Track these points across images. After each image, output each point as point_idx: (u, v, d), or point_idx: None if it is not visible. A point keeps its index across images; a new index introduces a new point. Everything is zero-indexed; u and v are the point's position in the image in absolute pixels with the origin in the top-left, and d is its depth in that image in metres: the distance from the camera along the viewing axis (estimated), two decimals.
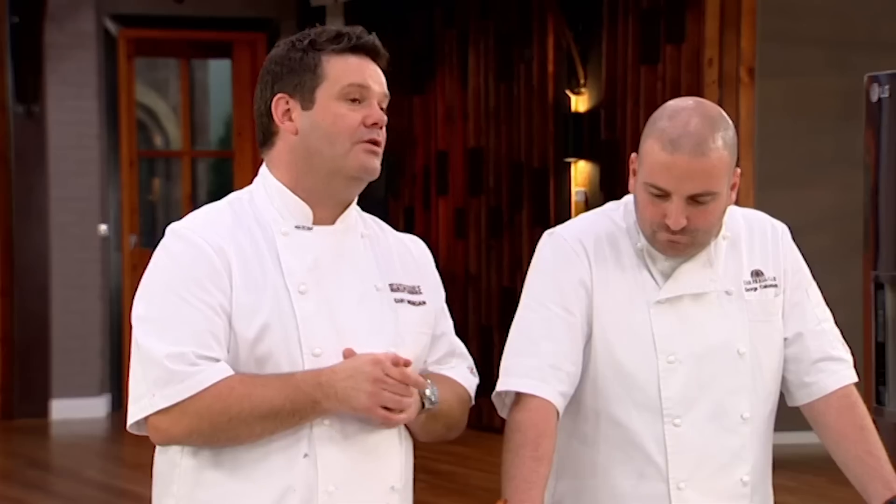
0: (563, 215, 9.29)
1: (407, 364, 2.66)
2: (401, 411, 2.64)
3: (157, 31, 11.67)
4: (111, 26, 11.32)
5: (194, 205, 11.46)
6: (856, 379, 3.07)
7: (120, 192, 11.46)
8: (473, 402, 2.88)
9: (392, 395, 2.62)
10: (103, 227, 11.24)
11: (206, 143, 15.53)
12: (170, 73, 15.25)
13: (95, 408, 11.09)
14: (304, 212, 2.73)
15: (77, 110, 11.06)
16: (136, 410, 2.65)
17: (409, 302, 2.77)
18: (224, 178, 13.76)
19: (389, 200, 10.98)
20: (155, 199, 15.96)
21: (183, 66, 12.91)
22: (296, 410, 2.61)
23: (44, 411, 11.00)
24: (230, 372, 2.61)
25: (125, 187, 11.51)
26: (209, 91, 15.39)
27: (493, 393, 2.95)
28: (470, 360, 2.90)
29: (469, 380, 2.86)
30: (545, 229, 3.09)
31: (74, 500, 8.49)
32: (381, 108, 2.72)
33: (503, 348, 2.98)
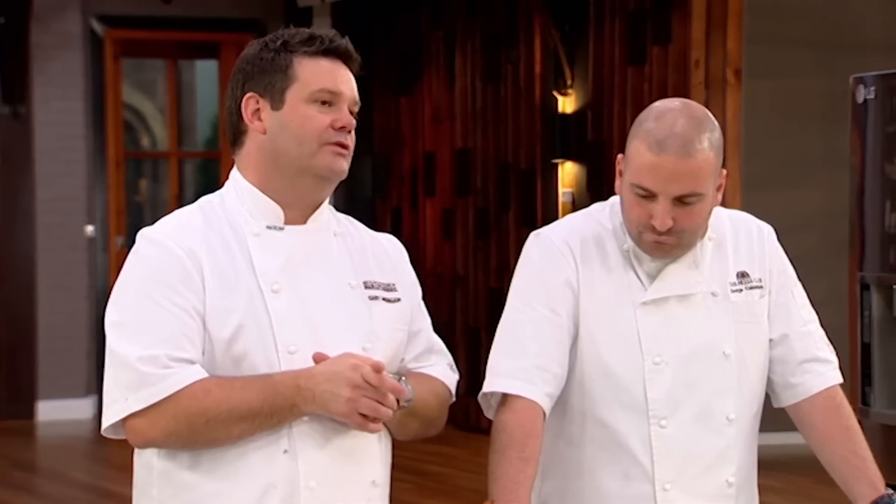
0: (550, 216, 9.28)
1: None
2: (376, 420, 2.64)
3: (144, 31, 11.65)
4: (97, 27, 11.30)
5: (181, 205, 11.43)
6: (841, 380, 3.08)
7: (106, 193, 11.44)
8: (455, 399, 2.88)
9: (369, 402, 2.62)
10: (90, 228, 11.22)
11: (193, 143, 15.50)
12: (156, 73, 15.22)
13: (81, 409, 11.07)
14: (275, 212, 2.73)
15: (63, 111, 11.05)
16: (110, 414, 2.65)
17: (383, 299, 2.77)
18: (211, 178, 13.73)
19: (377, 201, 10.95)
20: (142, 199, 15.93)
21: (170, 66, 12.89)
22: (274, 412, 2.61)
23: (30, 413, 10.98)
24: (204, 374, 2.61)
25: (112, 188, 11.49)
26: (196, 92, 15.37)
27: (480, 394, 2.95)
28: (449, 357, 2.90)
29: (449, 376, 2.86)
30: (532, 230, 3.09)
31: (60, 501, 8.48)
32: (352, 113, 2.72)
33: (490, 349, 2.99)
